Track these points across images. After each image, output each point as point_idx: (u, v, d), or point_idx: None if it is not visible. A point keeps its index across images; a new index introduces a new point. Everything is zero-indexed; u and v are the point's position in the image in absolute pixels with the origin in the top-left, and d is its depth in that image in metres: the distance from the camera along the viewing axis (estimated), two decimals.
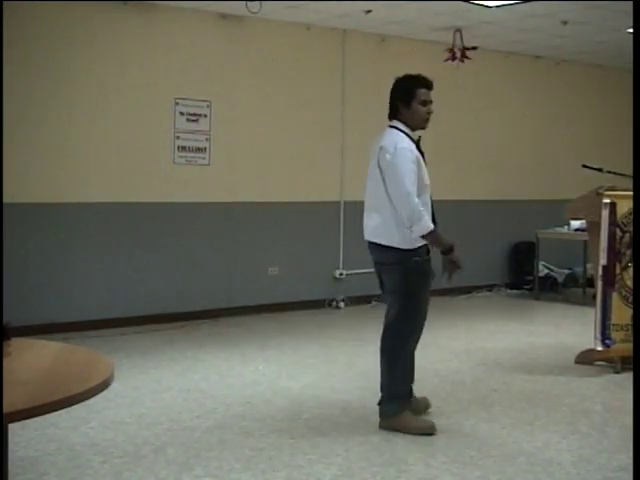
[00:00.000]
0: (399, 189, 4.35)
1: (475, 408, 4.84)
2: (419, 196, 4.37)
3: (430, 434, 4.45)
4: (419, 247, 4.44)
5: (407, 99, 4.47)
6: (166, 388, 5.44)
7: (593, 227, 6.13)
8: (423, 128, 4.54)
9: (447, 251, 4.41)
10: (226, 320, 7.90)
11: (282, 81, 8.39)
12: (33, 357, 2.87)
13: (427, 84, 4.51)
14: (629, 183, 5.82)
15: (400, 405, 4.54)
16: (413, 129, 4.52)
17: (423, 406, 4.79)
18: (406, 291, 4.50)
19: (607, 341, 5.90)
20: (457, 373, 5.78)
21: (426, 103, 4.48)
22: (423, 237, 4.39)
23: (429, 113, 4.49)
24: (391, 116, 4.56)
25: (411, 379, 4.65)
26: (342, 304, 8.72)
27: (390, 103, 4.55)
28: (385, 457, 4.20)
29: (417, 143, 4.51)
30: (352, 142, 8.79)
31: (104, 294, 7.46)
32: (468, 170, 9.66)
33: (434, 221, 4.47)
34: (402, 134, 4.46)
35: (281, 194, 8.47)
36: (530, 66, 10.21)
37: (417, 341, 4.63)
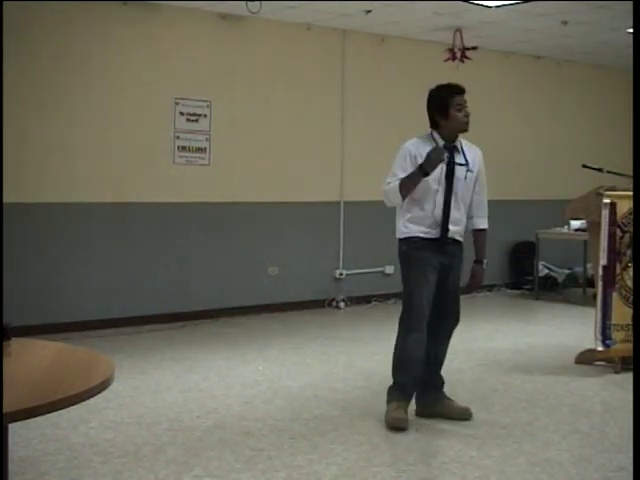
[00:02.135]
0: None
1: (475, 408, 4.83)
2: (422, 197, 4.55)
3: (396, 428, 4.50)
4: (410, 237, 4.60)
5: (444, 109, 4.59)
6: (166, 388, 5.44)
7: (593, 227, 6.13)
8: (466, 131, 4.66)
9: (420, 175, 4.44)
10: (226, 320, 7.89)
11: (282, 81, 8.39)
12: (33, 357, 2.87)
13: (460, 90, 4.66)
14: (629, 183, 5.81)
15: (390, 393, 4.69)
16: (450, 136, 4.62)
17: (456, 413, 4.74)
18: (402, 281, 4.71)
19: (607, 341, 5.89)
20: (457, 373, 5.77)
21: (462, 108, 4.61)
22: (400, 191, 4.51)
23: (467, 116, 4.62)
24: (431, 127, 4.69)
25: (409, 373, 4.65)
26: (342, 304, 8.72)
27: (428, 116, 4.68)
28: (385, 457, 4.20)
29: (450, 149, 4.61)
30: (352, 142, 8.80)
31: (104, 294, 7.46)
32: None
33: (445, 228, 4.57)
34: (424, 137, 4.65)
35: (281, 194, 8.47)
36: (530, 66, 10.21)
37: (415, 332, 4.60)
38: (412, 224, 4.59)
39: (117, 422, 4.65)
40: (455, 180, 4.58)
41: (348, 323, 8.13)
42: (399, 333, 4.69)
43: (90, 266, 7.40)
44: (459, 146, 4.66)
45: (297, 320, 8.04)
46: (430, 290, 4.60)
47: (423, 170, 4.43)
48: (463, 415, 4.73)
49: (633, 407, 4.43)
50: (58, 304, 7.22)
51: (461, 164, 4.62)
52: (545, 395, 5.33)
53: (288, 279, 8.50)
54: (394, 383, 4.70)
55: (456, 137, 4.65)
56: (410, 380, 4.66)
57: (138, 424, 4.62)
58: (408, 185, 4.50)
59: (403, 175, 4.51)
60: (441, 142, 4.60)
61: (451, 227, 4.60)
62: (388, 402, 4.66)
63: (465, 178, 4.62)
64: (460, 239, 4.71)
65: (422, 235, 4.59)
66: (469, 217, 4.74)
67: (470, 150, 4.70)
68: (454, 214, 4.60)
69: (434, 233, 4.59)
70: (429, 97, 4.67)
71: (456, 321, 4.82)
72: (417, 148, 4.57)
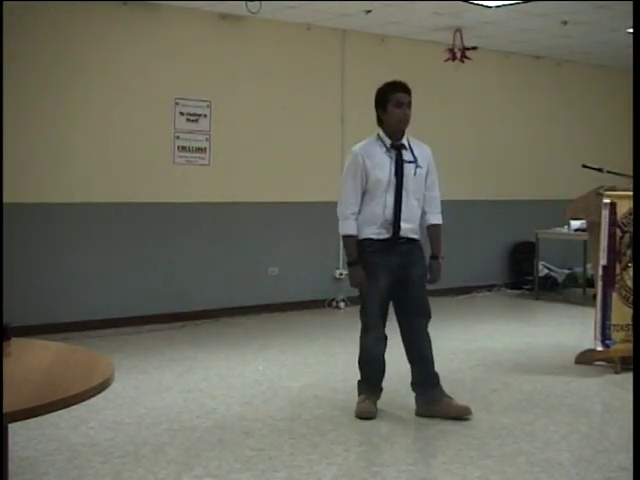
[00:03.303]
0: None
1: (475, 408, 4.83)
2: (373, 196, 4.62)
3: (364, 418, 4.68)
4: (361, 239, 4.67)
5: (383, 104, 4.66)
6: (166, 388, 5.44)
7: (593, 227, 6.13)
8: (401, 130, 4.66)
9: (349, 263, 4.77)
10: (226, 320, 7.90)
11: (282, 81, 8.39)
12: (33, 357, 2.87)
13: (402, 87, 4.65)
14: (629, 183, 5.81)
15: (359, 387, 4.89)
16: (391, 133, 4.66)
17: (455, 411, 4.73)
18: None
19: (607, 341, 5.89)
20: (457, 373, 5.78)
21: (401, 105, 4.61)
22: (344, 242, 4.77)
23: (405, 114, 4.62)
24: (377, 124, 4.75)
25: (373, 369, 4.87)
26: (342, 304, 8.71)
27: (376, 113, 4.75)
28: (385, 457, 4.20)
29: (397, 147, 4.65)
30: (352, 142, 8.74)
31: (104, 294, 7.46)
32: (468, 170, 9.66)
33: (397, 226, 4.61)
34: (373, 139, 4.71)
35: (281, 194, 8.47)
36: (530, 66, 10.20)
37: (373, 330, 4.84)
38: (363, 226, 4.65)
39: (117, 422, 4.65)
40: (405, 177, 4.61)
41: (348, 323, 8.06)
42: (360, 332, 4.93)
43: (90, 266, 7.40)
44: (406, 144, 4.68)
45: (297, 320, 8.04)
46: (382, 293, 4.72)
47: (349, 262, 4.73)
48: (463, 413, 4.73)
49: (633, 407, 4.43)
50: (58, 304, 7.22)
51: (410, 161, 4.65)
52: (545, 395, 5.33)
53: (288, 279, 8.50)
54: (361, 378, 4.91)
55: (401, 135, 4.67)
56: (374, 375, 4.86)
57: (138, 424, 4.62)
58: (345, 245, 4.77)
59: (356, 198, 4.62)
60: (388, 141, 4.64)
61: (403, 225, 4.63)
62: (358, 394, 4.86)
63: (415, 174, 4.66)
64: (415, 237, 4.73)
65: (373, 237, 4.64)
66: (422, 214, 4.77)
67: (418, 147, 4.74)
68: (405, 212, 4.63)
69: (386, 233, 4.63)
70: (375, 94, 4.72)
71: (427, 317, 4.82)
72: (365, 151, 4.66)
